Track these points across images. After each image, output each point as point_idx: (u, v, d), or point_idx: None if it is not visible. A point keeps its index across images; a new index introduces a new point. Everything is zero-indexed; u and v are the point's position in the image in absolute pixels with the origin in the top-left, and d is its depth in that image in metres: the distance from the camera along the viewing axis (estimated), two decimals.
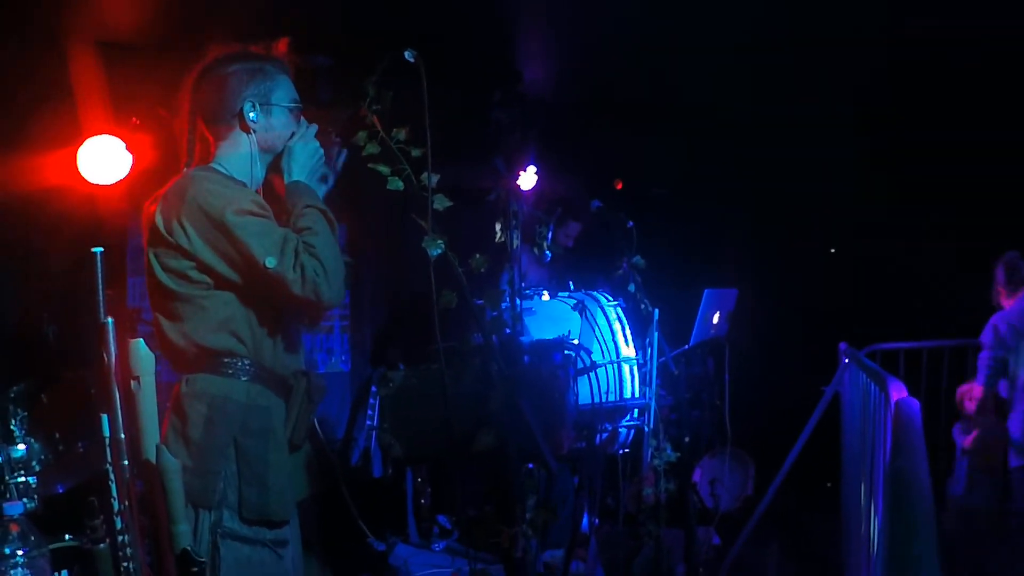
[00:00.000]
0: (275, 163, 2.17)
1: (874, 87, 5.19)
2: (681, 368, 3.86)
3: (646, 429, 3.30)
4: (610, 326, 3.23)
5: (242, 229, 1.96)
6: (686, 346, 4.20)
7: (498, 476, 2.24)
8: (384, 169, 2.14)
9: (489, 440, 2.13)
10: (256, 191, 2.15)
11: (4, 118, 3.43)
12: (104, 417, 1.65)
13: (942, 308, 5.76)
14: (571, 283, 3.62)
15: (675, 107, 5.38)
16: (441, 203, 2.12)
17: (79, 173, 3.46)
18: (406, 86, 2.05)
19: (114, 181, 3.51)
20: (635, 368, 3.24)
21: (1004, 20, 4.11)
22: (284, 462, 2.07)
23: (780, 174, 5.87)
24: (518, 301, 2.60)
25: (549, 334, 2.97)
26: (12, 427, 2.87)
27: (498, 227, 2.75)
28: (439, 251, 2.10)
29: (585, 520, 3.61)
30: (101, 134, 3.47)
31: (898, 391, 2.67)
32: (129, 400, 1.67)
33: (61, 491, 3.01)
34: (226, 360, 2.02)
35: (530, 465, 2.65)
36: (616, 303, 3.35)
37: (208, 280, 2.00)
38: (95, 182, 3.48)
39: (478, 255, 2.22)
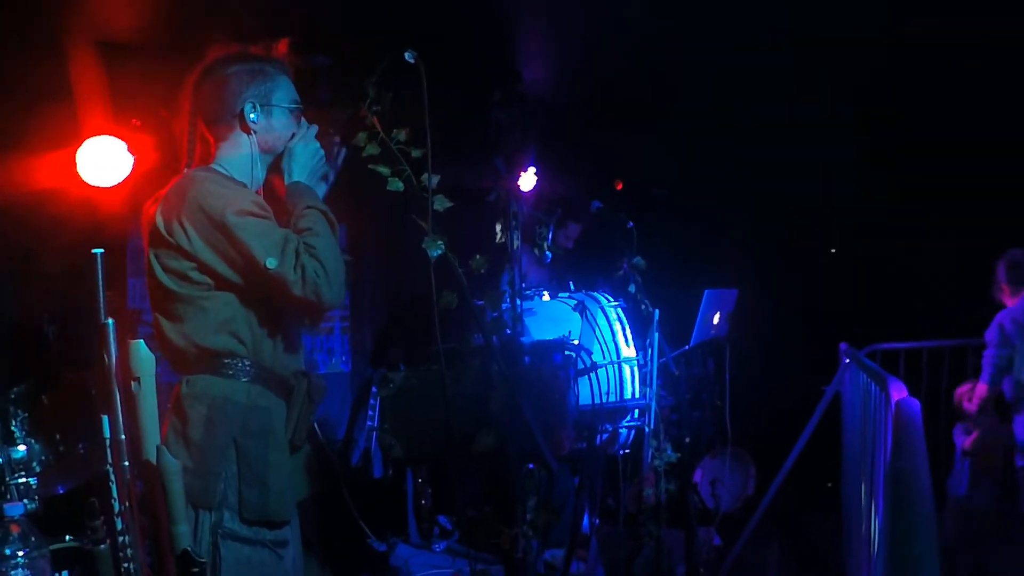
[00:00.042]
0: (276, 164, 2.17)
1: (874, 87, 5.19)
2: (681, 368, 3.86)
3: (647, 430, 3.30)
4: (610, 327, 3.23)
5: (243, 230, 1.96)
6: (686, 346, 4.21)
7: (498, 477, 2.24)
8: (384, 170, 2.14)
9: (489, 441, 2.13)
10: (257, 192, 2.15)
11: (4, 118, 3.42)
12: (104, 418, 1.65)
13: (942, 308, 5.76)
14: (571, 284, 3.62)
15: (675, 107, 5.38)
16: (441, 204, 2.12)
17: (79, 174, 3.46)
18: (406, 86, 2.04)
19: (114, 182, 3.51)
20: (635, 369, 3.23)
21: (1004, 20, 4.11)
22: (284, 463, 2.07)
23: (780, 174, 5.87)
24: (518, 302, 2.60)
25: (549, 335, 2.97)
26: (13, 428, 2.87)
27: (498, 228, 2.75)
28: (439, 252, 2.09)
29: (586, 520, 3.61)
30: (101, 135, 3.46)
31: (898, 391, 2.67)
32: (129, 401, 1.67)
33: (62, 492, 3.01)
34: (226, 361, 2.02)
35: (531, 466, 2.65)
36: (616, 304, 3.34)
37: (208, 281, 2.00)
38: (95, 183, 3.48)
39: (478, 256, 2.22)
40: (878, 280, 6.18)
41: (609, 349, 3.18)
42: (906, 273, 6.08)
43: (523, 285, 3.30)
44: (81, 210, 3.54)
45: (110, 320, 1.65)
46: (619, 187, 5.19)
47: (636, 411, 3.27)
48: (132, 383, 1.67)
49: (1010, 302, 4.37)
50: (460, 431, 2.11)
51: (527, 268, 4.37)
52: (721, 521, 4.76)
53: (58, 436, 2.99)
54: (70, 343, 3.52)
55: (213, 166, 2.12)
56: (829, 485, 5.39)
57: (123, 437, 1.66)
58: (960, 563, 4.21)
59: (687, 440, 3.71)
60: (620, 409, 3.19)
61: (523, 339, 2.55)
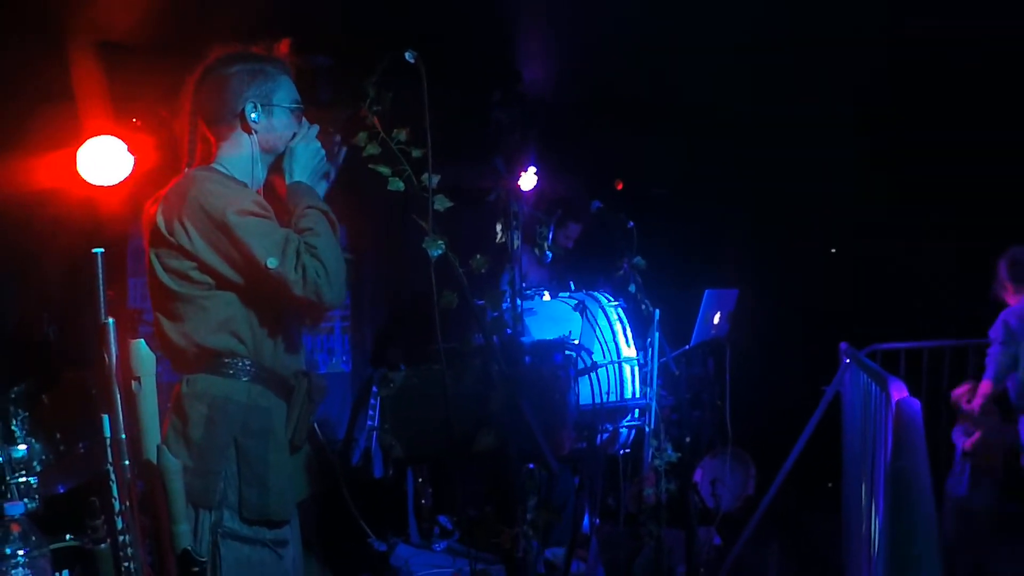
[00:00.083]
0: (276, 164, 2.17)
1: (874, 87, 5.19)
2: (682, 368, 3.86)
3: (647, 429, 3.30)
4: (611, 326, 3.23)
5: (243, 229, 1.96)
6: (687, 346, 4.20)
7: (499, 476, 2.24)
8: (384, 170, 2.14)
9: (490, 440, 2.13)
10: (257, 192, 2.15)
11: (4, 118, 3.43)
12: (105, 417, 1.65)
13: (942, 308, 5.77)
14: (572, 283, 3.61)
15: (675, 107, 5.38)
16: (442, 204, 2.12)
17: (79, 174, 3.46)
18: (406, 86, 2.05)
19: (115, 182, 3.51)
20: (636, 368, 3.23)
21: (1004, 20, 4.11)
22: (284, 462, 2.07)
23: (780, 174, 5.87)
24: (519, 301, 2.60)
25: (550, 334, 2.97)
26: (13, 427, 2.87)
27: (499, 228, 2.75)
28: (440, 252, 2.09)
29: (586, 520, 3.61)
30: (101, 135, 3.47)
31: (899, 391, 2.67)
32: (130, 400, 1.68)
33: (62, 491, 3.02)
34: (227, 360, 2.02)
35: (531, 465, 2.65)
36: (617, 303, 3.34)
37: (209, 280, 2.00)
38: (95, 183, 3.48)
39: (479, 256, 2.22)
40: (878, 280, 6.18)
41: (609, 349, 3.17)
42: (906, 273, 6.08)
43: (523, 285, 3.30)
44: (81, 210, 3.54)
45: (110, 319, 1.65)
46: (619, 187, 5.19)
47: (636, 411, 3.27)
48: (132, 382, 1.67)
49: (1013, 300, 4.36)
50: (460, 431, 2.11)
51: (527, 268, 4.37)
52: (721, 521, 4.76)
53: (59, 435, 3.00)
54: (70, 342, 3.52)
55: (214, 166, 2.12)
56: (829, 485, 5.39)
57: (123, 436, 1.66)
58: (960, 563, 4.21)
59: (687, 440, 3.71)
60: (620, 409, 3.19)
61: (523, 339, 2.54)
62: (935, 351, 5.39)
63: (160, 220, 2.00)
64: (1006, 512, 4.41)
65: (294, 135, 2.16)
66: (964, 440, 4.34)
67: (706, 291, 4.26)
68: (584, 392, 2.86)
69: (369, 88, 2.11)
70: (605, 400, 3.03)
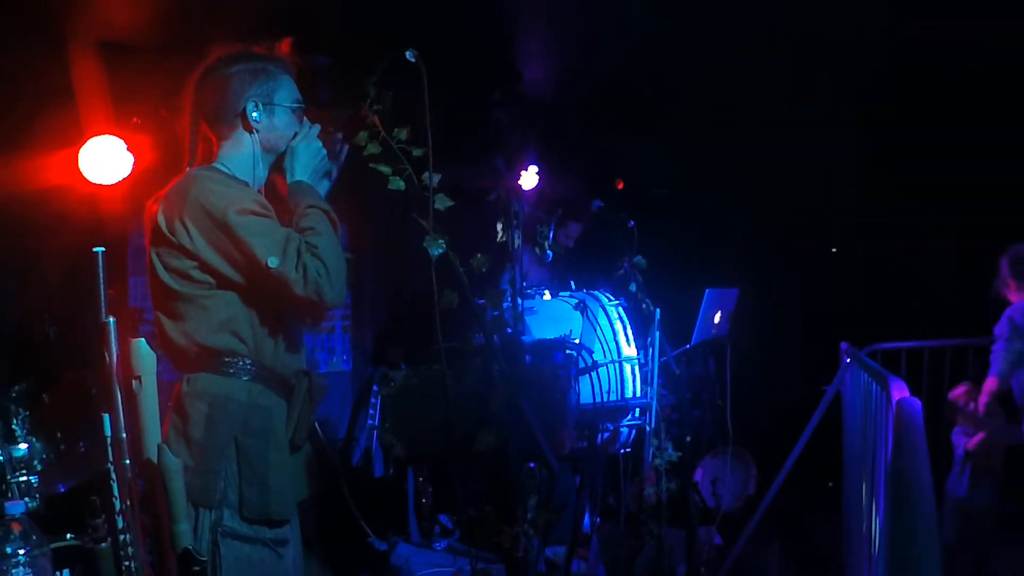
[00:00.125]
0: (278, 163, 2.17)
1: (874, 87, 5.19)
2: (682, 367, 3.86)
3: (647, 428, 3.30)
4: (611, 325, 3.23)
5: (244, 229, 1.96)
6: (687, 346, 4.20)
7: (499, 476, 2.24)
8: (385, 169, 2.14)
9: (490, 440, 2.13)
10: (259, 191, 2.15)
11: (6, 118, 3.43)
12: (106, 416, 1.65)
13: (942, 308, 5.76)
14: (572, 283, 3.62)
15: (675, 107, 5.39)
16: (442, 203, 2.12)
17: (80, 173, 3.47)
18: (406, 86, 2.05)
19: (115, 181, 3.51)
20: (636, 367, 3.24)
21: (1004, 20, 4.11)
22: (285, 462, 2.07)
23: (780, 174, 5.87)
24: (519, 301, 2.60)
25: (550, 334, 2.97)
26: (14, 427, 2.87)
27: (499, 227, 2.75)
28: (440, 251, 2.10)
29: (587, 519, 3.61)
30: (102, 134, 3.47)
31: (899, 391, 2.67)
32: (130, 400, 1.68)
33: (63, 490, 3.02)
34: (227, 360, 2.02)
35: (531, 465, 2.65)
36: (617, 302, 3.35)
37: (210, 280, 2.00)
38: (96, 182, 3.48)
39: (479, 255, 2.22)
40: (878, 280, 6.18)
41: (610, 348, 3.18)
42: (906, 273, 6.08)
43: (524, 284, 3.31)
44: (82, 209, 3.54)
45: (111, 318, 1.65)
46: (620, 186, 5.19)
47: (637, 410, 3.27)
48: (133, 381, 1.67)
49: (1016, 297, 4.33)
50: (461, 430, 2.11)
51: (528, 267, 4.37)
52: (722, 520, 4.76)
53: (59, 434, 3.00)
54: (71, 341, 3.52)
55: (215, 165, 2.12)
56: (830, 485, 5.39)
57: (124, 435, 1.66)
58: (960, 563, 4.21)
59: (688, 439, 3.71)
60: (621, 408, 3.19)
61: (524, 338, 2.55)
62: (936, 350, 5.39)
63: (161, 219, 2.00)
64: (1006, 512, 4.40)
65: (295, 134, 2.15)
66: (965, 441, 4.32)
67: (707, 290, 4.26)
68: (585, 391, 2.86)
69: (369, 87, 2.11)
70: (606, 399, 3.03)
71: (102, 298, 1.67)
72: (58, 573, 2.52)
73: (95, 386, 3.01)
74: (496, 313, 2.28)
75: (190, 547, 1.70)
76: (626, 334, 3.25)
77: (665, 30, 4.31)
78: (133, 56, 3.71)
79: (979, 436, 4.28)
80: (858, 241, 6.45)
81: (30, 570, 1.89)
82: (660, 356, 3.39)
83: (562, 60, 4.97)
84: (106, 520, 1.70)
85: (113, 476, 1.65)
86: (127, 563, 1.66)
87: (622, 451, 3.35)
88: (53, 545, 2.12)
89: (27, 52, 3.45)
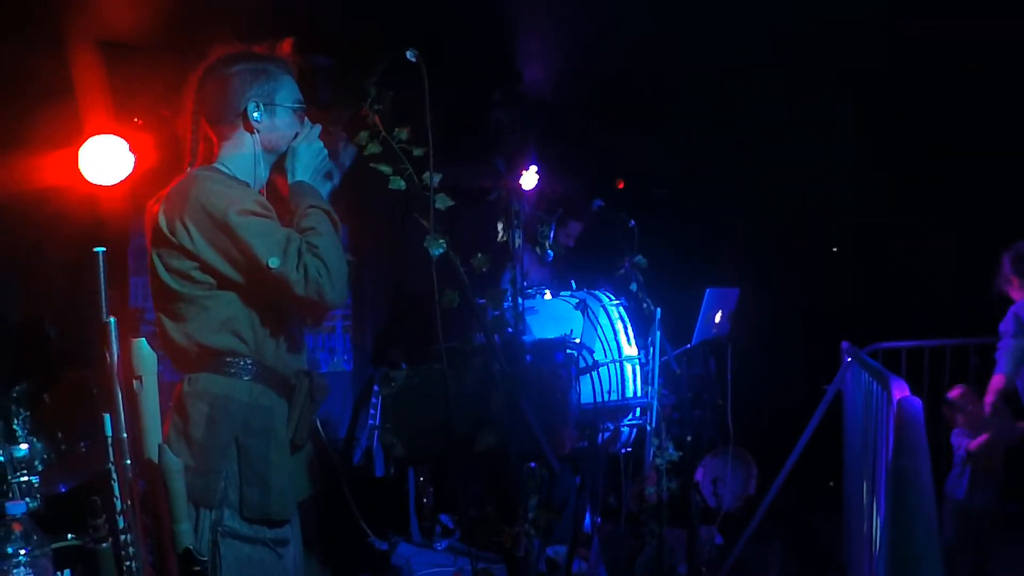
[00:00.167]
0: (279, 163, 2.17)
1: (874, 87, 5.19)
2: (683, 367, 3.86)
3: (648, 428, 3.30)
4: (612, 325, 3.23)
5: (245, 229, 1.96)
6: (688, 345, 4.21)
7: (500, 475, 2.24)
8: (386, 169, 2.14)
9: (491, 439, 2.13)
10: (259, 191, 2.15)
11: (6, 118, 3.43)
12: (106, 416, 1.65)
13: (942, 308, 5.76)
14: (573, 282, 3.62)
15: (675, 107, 5.39)
16: (443, 202, 2.12)
17: (81, 173, 3.47)
18: (407, 86, 2.05)
19: (116, 181, 3.51)
20: (637, 367, 3.24)
21: (1004, 20, 4.11)
22: (286, 462, 2.07)
23: (780, 174, 5.87)
24: (520, 300, 2.60)
25: (551, 333, 2.97)
26: (15, 427, 2.88)
27: (499, 227, 2.75)
28: (441, 251, 2.10)
29: (587, 519, 3.61)
30: (103, 134, 3.47)
31: (900, 390, 2.67)
32: (131, 400, 1.68)
33: (63, 490, 3.02)
34: (228, 360, 2.02)
35: (532, 464, 2.65)
36: (618, 302, 3.35)
37: (211, 280, 2.00)
38: (97, 182, 3.48)
39: (480, 254, 2.22)
40: (878, 280, 6.18)
41: (611, 347, 3.18)
42: (906, 273, 6.08)
43: (524, 284, 3.30)
44: (83, 209, 3.54)
45: (112, 319, 1.65)
46: (620, 186, 5.19)
47: (638, 410, 3.27)
48: (134, 381, 1.68)
49: (1019, 295, 4.32)
50: (462, 430, 2.11)
51: (528, 267, 4.37)
52: (723, 520, 4.76)
53: (60, 434, 3.00)
54: (72, 341, 3.52)
55: (216, 165, 2.12)
56: (831, 484, 5.39)
57: (125, 435, 1.66)
58: (960, 563, 4.21)
59: (689, 439, 3.71)
60: (622, 408, 3.19)
61: (525, 338, 2.55)
62: (936, 350, 5.39)
63: (162, 220, 2.00)
64: (1006, 512, 4.39)
65: (296, 135, 2.15)
66: (967, 442, 4.28)
67: (707, 290, 4.26)
68: (585, 391, 2.86)
69: (370, 87, 2.11)
70: (606, 399, 3.03)
71: (103, 298, 1.67)
72: (59, 573, 2.51)
73: (96, 386, 3.01)
74: (497, 313, 2.28)
75: (191, 547, 1.70)
76: (627, 334, 3.25)
77: (665, 30, 4.31)
78: (134, 56, 3.71)
79: (983, 437, 4.24)
80: (858, 241, 6.45)
81: (31, 570, 1.89)
82: (661, 356, 3.39)
83: (562, 60, 4.96)
84: (107, 520, 1.70)
85: (114, 476, 1.65)
86: (128, 563, 1.67)
87: (623, 451, 3.35)
88: (54, 545, 2.12)
89: (28, 51, 3.45)
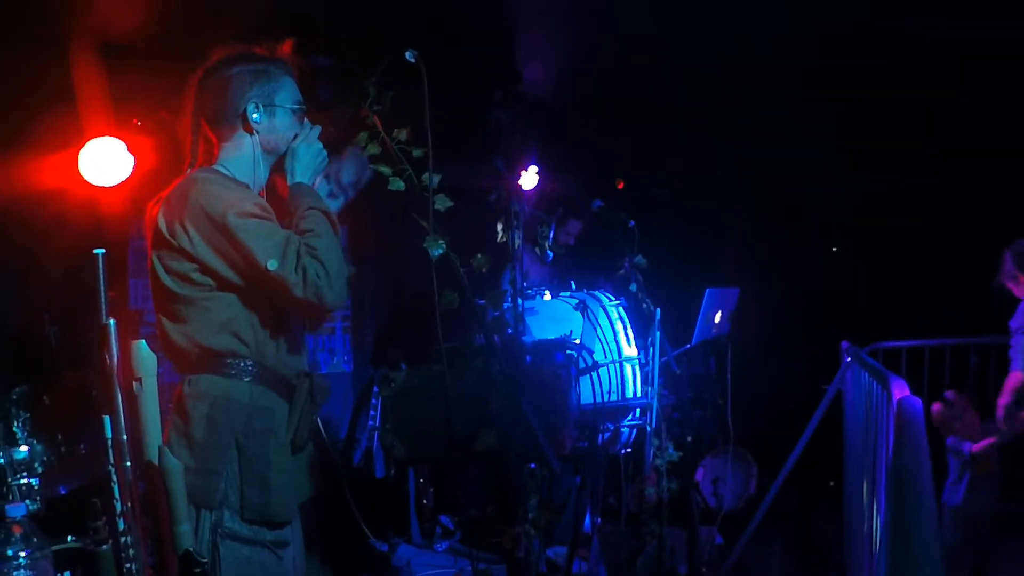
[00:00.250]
0: (279, 165, 2.17)
1: (874, 87, 5.19)
2: (683, 367, 3.86)
3: (648, 429, 3.31)
4: (612, 325, 3.24)
5: (244, 231, 1.96)
6: (688, 345, 4.21)
7: (500, 476, 2.24)
8: (385, 169, 2.14)
9: (491, 440, 2.13)
10: (259, 193, 2.15)
11: (6, 119, 3.43)
12: (106, 418, 1.65)
13: (942, 308, 5.76)
14: (573, 283, 3.62)
15: (675, 107, 5.39)
16: (442, 203, 2.12)
17: (81, 175, 3.47)
18: (406, 86, 2.05)
19: (116, 183, 3.51)
20: (637, 367, 3.24)
21: (1004, 20, 4.11)
22: (286, 463, 2.07)
23: (780, 174, 5.87)
24: (520, 301, 2.60)
25: (551, 334, 2.97)
26: (14, 429, 2.87)
27: (499, 227, 2.75)
28: (440, 251, 2.10)
29: (588, 520, 3.61)
30: (103, 135, 3.47)
31: (900, 389, 2.66)
32: (131, 401, 1.68)
33: (63, 492, 3.02)
34: (228, 361, 2.02)
35: (532, 465, 2.65)
36: (618, 302, 3.35)
37: (210, 282, 2.00)
38: (97, 184, 3.48)
39: (480, 255, 2.22)
40: (878, 280, 6.18)
41: (611, 348, 3.18)
42: (906, 273, 6.08)
43: (524, 284, 3.31)
44: (83, 211, 3.54)
45: (112, 320, 1.65)
46: (620, 186, 5.19)
47: (638, 410, 3.27)
48: (134, 383, 1.68)
49: (1022, 293, 4.30)
50: (462, 431, 2.11)
51: (528, 267, 4.37)
52: (723, 520, 4.76)
53: (60, 437, 3.00)
54: (72, 343, 3.52)
55: (216, 167, 2.12)
56: (831, 484, 5.39)
57: (125, 437, 1.66)
58: (960, 563, 4.20)
59: (689, 439, 3.72)
60: (622, 408, 3.20)
61: (524, 338, 2.55)
62: (936, 349, 5.39)
63: (162, 222, 2.00)
64: (1006, 512, 4.38)
65: (296, 136, 2.15)
66: (968, 445, 4.23)
67: (707, 290, 4.26)
68: (585, 391, 2.86)
69: (370, 88, 2.11)
70: (606, 399, 3.04)
71: (103, 300, 1.67)
72: (59, 575, 2.51)
73: (96, 388, 3.01)
74: (496, 313, 2.28)
75: (191, 549, 1.70)
76: (627, 334, 3.25)
77: (665, 30, 4.31)
78: (134, 57, 3.70)
79: (988, 440, 4.17)
80: (858, 241, 6.45)
81: (31, 572, 1.89)
82: (661, 356, 3.39)
83: (562, 60, 4.96)
84: (107, 522, 1.70)
85: (114, 478, 1.65)
86: (128, 565, 1.67)
87: (623, 451, 3.35)
88: (54, 547, 2.12)
89: (27, 53, 3.44)
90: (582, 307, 3.21)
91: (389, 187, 2.12)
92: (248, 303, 2.03)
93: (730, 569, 4.38)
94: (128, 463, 1.66)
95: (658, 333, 3.36)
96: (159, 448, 1.69)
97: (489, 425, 2.12)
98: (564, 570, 3.49)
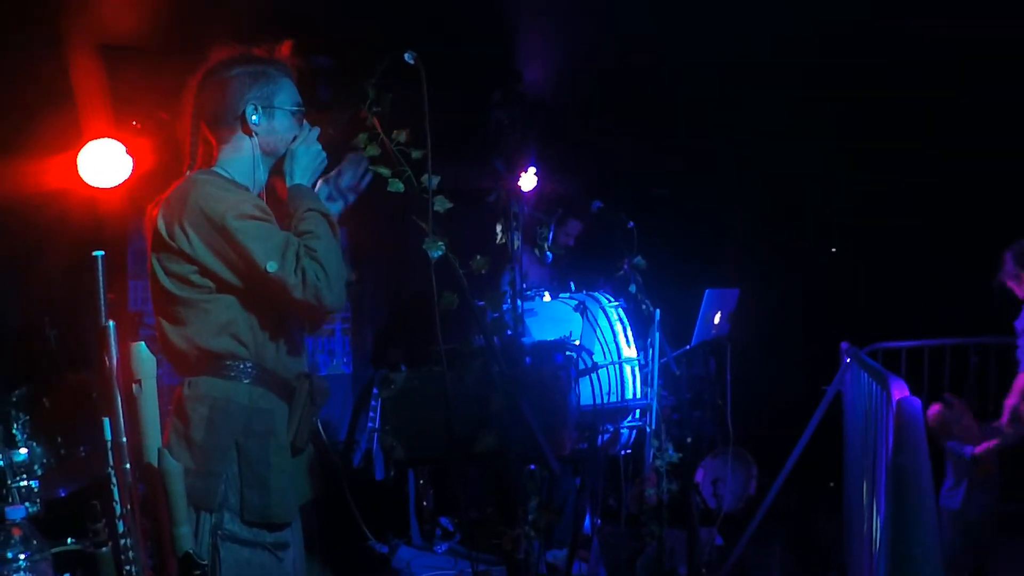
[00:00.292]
0: (278, 166, 2.17)
1: (874, 87, 5.19)
2: (683, 368, 3.86)
3: (648, 430, 3.30)
4: (611, 327, 3.23)
5: (243, 233, 1.96)
6: (688, 346, 4.20)
7: (500, 477, 2.24)
8: (385, 171, 2.14)
9: (491, 441, 2.13)
10: (258, 195, 2.15)
11: (5, 121, 3.43)
12: (106, 420, 1.65)
13: (942, 308, 5.76)
14: (572, 284, 3.62)
15: (675, 107, 5.39)
16: (442, 205, 2.12)
17: (80, 176, 3.47)
18: (406, 87, 2.05)
19: (115, 184, 3.51)
20: (637, 369, 3.23)
21: (1004, 20, 4.11)
22: (286, 464, 2.07)
23: (781, 174, 5.87)
24: (519, 302, 2.60)
25: (550, 335, 2.97)
26: (14, 431, 2.88)
27: (499, 228, 2.75)
28: (440, 253, 2.10)
29: (587, 521, 3.61)
30: (102, 137, 3.47)
31: (900, 390, 2.66)
32: (131, 403, 1.67)
33: (63, 495, 3.02)
34: (228, 363, 2.02)
35: (532, 466, 2.65)
36: (617, 304, 3.35)
37: (210, 284, 2.00)
38: (96, 185, 3.48)
39: (479, 256, 2.22)
40: (878, 280, 6.18)
41: (610, 349, 3.18)
42: (906, 273, 6.08)
43: (524, 285, 3.30)
44: (82, 212, 3.54)
45: (111, 322, 1.65)
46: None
47: (637, 411, 3.27)
48: (133, 385, 1.67)
49: None
50: (461, 432, 2.11)
51: (528, 268, 4.37)
52: (723, 521, 4.76)
53: (59, 439, 3.00)
54: (71, 345, 3.52)
55: (215, 169, 2.11)
56: (831, 484, 5.39)
57: (124, 439, 1.66)
58: (960, 563, 4.20)
59: (688, 440, 3.71)
60: (621, 409, 3.19)
61: (524, 340, 2.55)
62: (936, 350, 5.39)
63: (161, 224, 2.00)
64: (1006, 512, 4.37)
65: (295, 138, 2.15)
66: (969, 448, 4.21)
67: (707, 291, 4.26)
68: (585, 393, 2.86)
69: (369, 89, 2.11)
70: (606, 401, 3.03)
71: (102, 302, 1.67)
72: None
73: (95, 390, 3.01)
74: (496, 315, 2.28)
75: (191, 551, 1.70)
76: (626, 335, 3.25)
77: (665, 30, 4.31)
78: (133, 59, 3.70)
79: (991, 442, 4.14)
80: (858, 241, 6.45)
81: (31, 574, 1.89)
82: (660, 357, 3.39)
83: (562, 60, 4.96)
84: (107, 524, 1.70)
85: (114, 480, 1.65)
86: (128, 567, 1.66)
87: (623, 452, 3.35)
88: (54, 550, 2.12)
89: (27, 55, 3.45)
90: (581, 308, 3.21)
91: (388, 189, 2.12)
92: (247, 305, 2.03)
93: (730, 570, 4.37)
94: (128, 465, 1.66)
95: (658, 334, 3.35)
96: (159, 450, 1.69)
97: (489, 426, 2.12)
98: (564, 571, 3.49)
